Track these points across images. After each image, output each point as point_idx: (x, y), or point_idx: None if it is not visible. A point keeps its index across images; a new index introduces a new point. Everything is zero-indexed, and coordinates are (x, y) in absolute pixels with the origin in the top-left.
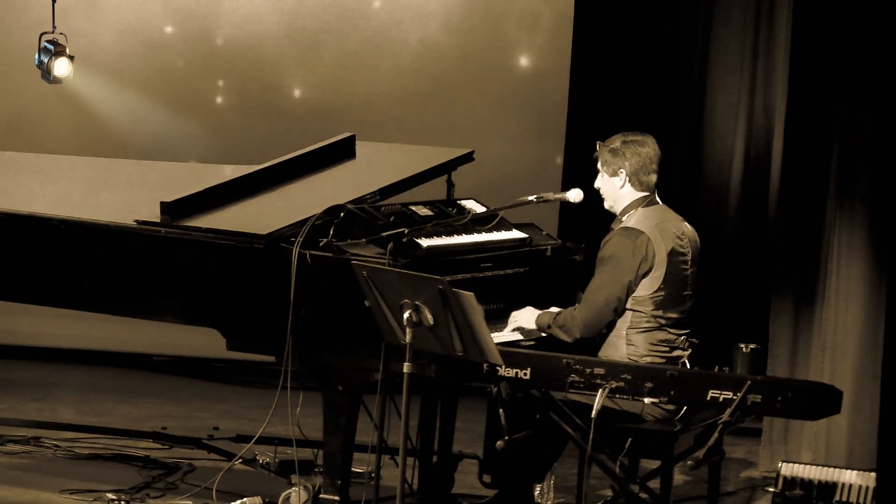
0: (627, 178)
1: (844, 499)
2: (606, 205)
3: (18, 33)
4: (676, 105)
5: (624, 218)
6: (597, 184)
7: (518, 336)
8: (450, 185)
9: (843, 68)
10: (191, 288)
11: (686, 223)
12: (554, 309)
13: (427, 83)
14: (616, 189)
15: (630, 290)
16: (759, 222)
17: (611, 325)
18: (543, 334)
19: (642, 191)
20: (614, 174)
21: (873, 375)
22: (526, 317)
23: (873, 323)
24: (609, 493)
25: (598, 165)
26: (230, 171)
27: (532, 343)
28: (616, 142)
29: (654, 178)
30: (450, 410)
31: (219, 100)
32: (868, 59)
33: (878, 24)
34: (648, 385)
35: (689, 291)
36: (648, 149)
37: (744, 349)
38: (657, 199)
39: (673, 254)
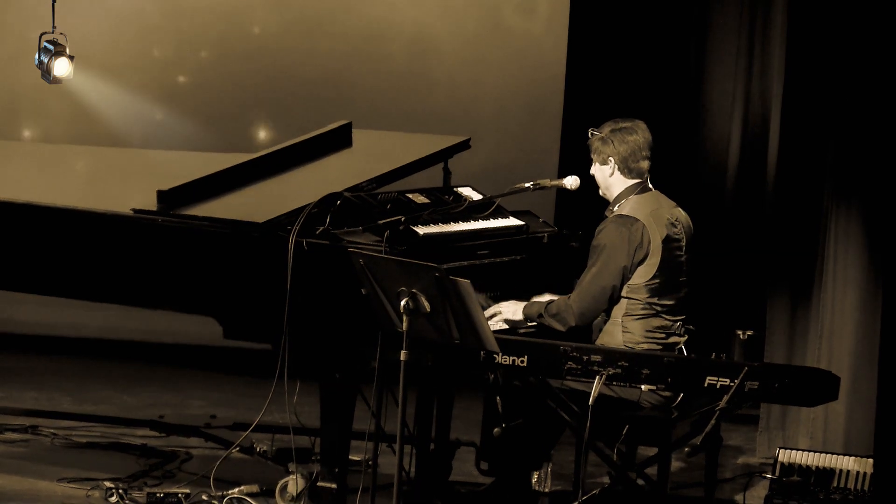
0: (616, 167)
1: (842, 485)
2: (600, 191)
3: (18, 33)
4: (673, 92)
5: (617, 206)
6: (591, 171)
7: (504, 327)
8: (446, 172)
9: (840, 54)
10: (187, 276)
11: (679, 209)
12: (542, 298)
13: (423, 70)
14: (606, 177)
15: (625, 277)
16: (755, 208)
17: (606, 314)
18: (530, 324)
19: (633, 178)
20: (604, 162)
21: (871, 361)
22: (511, 308)
23: (871, 309)
24: (607, 480)
25: (591, 153)
26: (227, 160)
27: (531, 330)
28: (605, 129)
29: (645, 164)
30: (447, 398)
31: (216, 91)
32: (865, 45)
33: (874, 11)
34: (645, 372)
35: (684, 278)
36: (637, 136)
37: (741, 336)
38: (650, 185)
39: (668, 241)
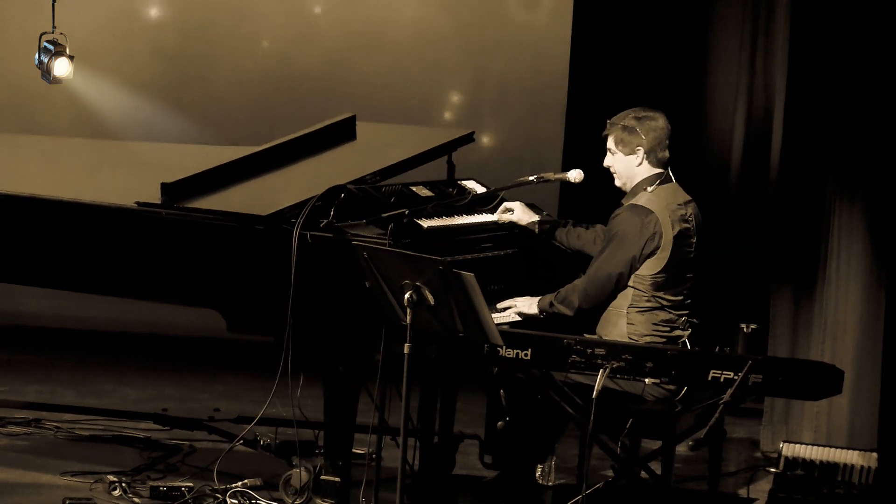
0: (645, 156)
1: (846, 479)
2: (618, 182)
3: (17, 30)
4: (677, 84)
5: (635, 195)
6: (607, 162)
7: (518, 319)
8: (450, 165)
9: (844, 47)
10: (191, 269)
11: (693, 203)
12: None
13: (427, 63)
14: (632, 167)
15: (633, 267)
16: (759, 202)
17: (609, 301)
18: (542, 317)
19: (657, 167)
20: (631, 152)
21: (874, 355)
22: (527, 302)
23: (874, 302)
24: (610, 473)
25: (610, 144)
26: (230, 153)
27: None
28: (629, 119)
29: (667, 153)
30: (450, 391)
31: (219, 84)
32: (869, 39)
33: (878, 5)
34: (649, 365)
35: (691, 273)
36: (661, 123)
37: (744, 329)
38: (671, 175)
39: (680, 236)
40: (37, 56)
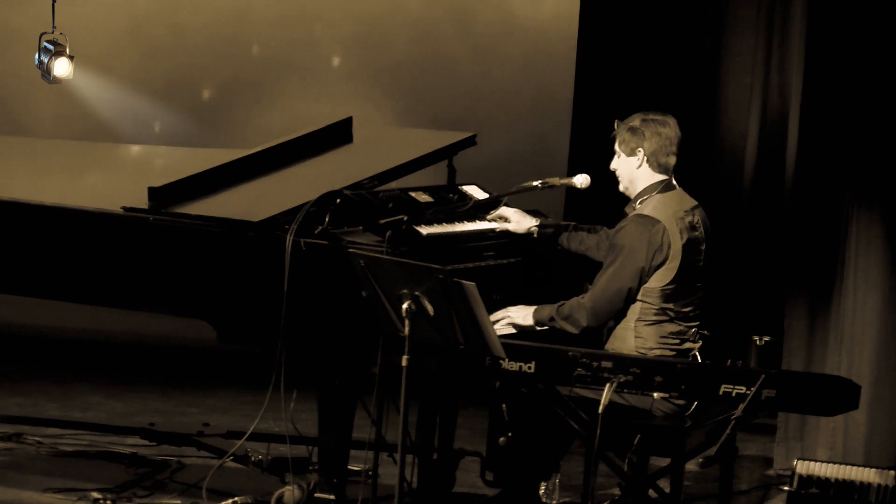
0: (645, 159)
1: (863, 498)
2: (621, 187)
3: (14, 29)
4: (688, 86)
5: (639, 203)
6: (613, 165)
7: (512, 331)
8: (451, 169)
9: (862, 47)
10: (180, 278)
11: (701, 209)
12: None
13: (428, 64)
14: (633, 169)
15: (642, 280)
16: (774, 208)
17: (618, 317)
18: (539, 329)
19: (660, 173)
20: (632, 153)
21: (893, 369)
22: (521, 313)
23: (893, 314)
24: (617, 492)
25: (616, 145)
26: (222, 156)
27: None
28: (635, 120)
29: (672, 160)
30: (450, 405)
31: (216, 86)
32: (887, 38)
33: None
34: (658, 379)
35: (701, 283)
36: (669, 129)
37: (757, 342)
38: (674, 182)
39: (689, 245)
40: (37, 56)
